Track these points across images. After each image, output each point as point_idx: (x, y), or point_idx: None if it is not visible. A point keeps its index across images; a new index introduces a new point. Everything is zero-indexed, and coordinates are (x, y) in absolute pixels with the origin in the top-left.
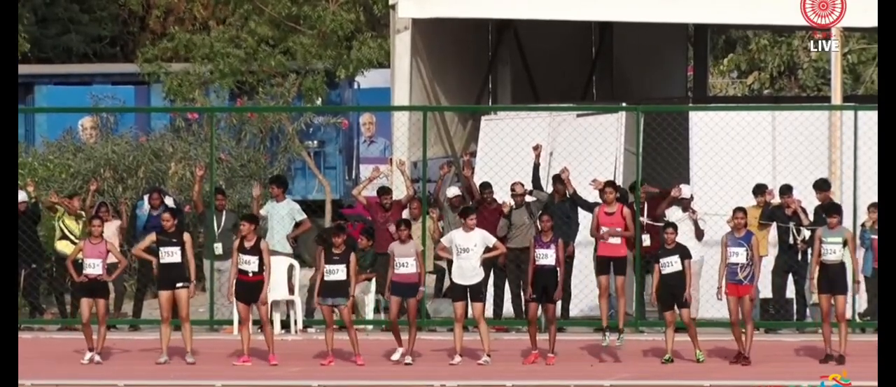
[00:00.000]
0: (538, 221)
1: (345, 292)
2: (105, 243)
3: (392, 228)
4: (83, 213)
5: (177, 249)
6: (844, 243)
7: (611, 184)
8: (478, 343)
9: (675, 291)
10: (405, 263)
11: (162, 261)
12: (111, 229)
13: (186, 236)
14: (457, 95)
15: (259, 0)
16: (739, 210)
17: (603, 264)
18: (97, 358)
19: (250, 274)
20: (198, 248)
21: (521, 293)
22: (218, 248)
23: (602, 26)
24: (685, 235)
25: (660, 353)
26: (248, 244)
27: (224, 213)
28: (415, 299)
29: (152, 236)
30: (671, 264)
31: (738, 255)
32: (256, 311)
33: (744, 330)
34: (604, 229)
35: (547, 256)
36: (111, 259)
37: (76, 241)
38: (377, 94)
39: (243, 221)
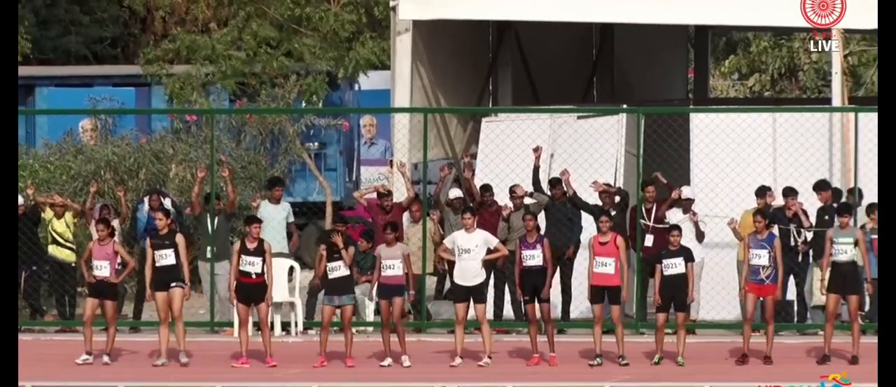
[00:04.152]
0: (523, 223)
1: (350, 289)
2: (113, 245)
3: None
4: (83, 213)
5: (170, 252)
6: (855, 243)
7: (608, 213)
8: (478, 345)
9: (675, 292)
10: (392, 266)
11: (157, 264)
12: None
13: (180, 238)
14: (457, 97)
15: (261, 2)
16: (759, 213)
17: (597, 294)
18: (105, 359)
19: (253, 275)
20: (197, 249)
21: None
22: (213, 250)
23: (603, 28)
24: (686, 237)
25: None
26: (251, 245)
27: (218, 214)
28: (400, 298)
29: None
30: (674, 266)
31: (761, 257)
32: (256, 312)
33: (761, 331)
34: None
35: (534, 257)
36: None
37: (65, 244)
38: (377, 95)
39: (250, 222)
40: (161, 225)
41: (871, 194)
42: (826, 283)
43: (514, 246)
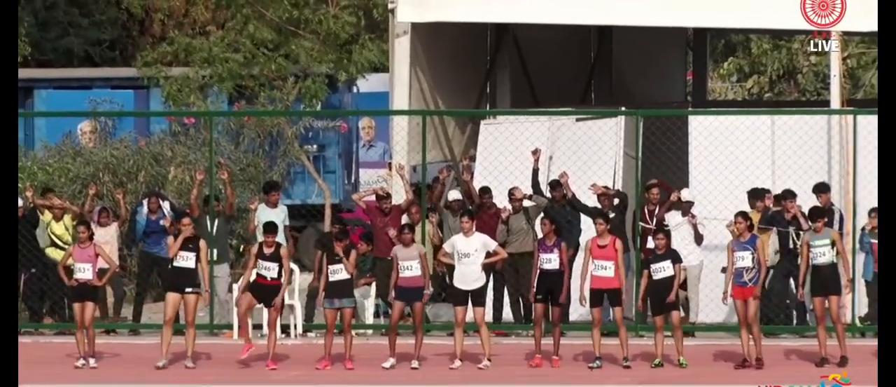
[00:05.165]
0: (539, 226)
1: (350, 292)
2: (94, 247)
3: (391, 232)
4: (82, 215)
5: (192, 255)
6: (832, 244)
7: (604, 215)
8: (478, 348)
9: (666, 296)
10: (409, 267)
11: (176, 264)
12: (111, 232)
13: (202, 243)
14: (456, 100)
15: (259, 4)
16: (741, 215)
17: (596, 296)
18: (92, 363)
19: (269, 279)
20: None
21: (520, 298)
22: (213, 253)
23: (601, 30)
24: (685, 240)
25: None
26: (268, 251)
27: (217, 217)
28: (420, 303)
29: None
30: (663, 270)
31: (744, 259)
32: (266, 314)
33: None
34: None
35: (551, 260)
36: (102, 264)
37: (65, 247)
38: (376, 98)
39: (266, 232)
40: (188, 231)
41: (870, 197)
42: (806, 287)
43: (512, 249)
